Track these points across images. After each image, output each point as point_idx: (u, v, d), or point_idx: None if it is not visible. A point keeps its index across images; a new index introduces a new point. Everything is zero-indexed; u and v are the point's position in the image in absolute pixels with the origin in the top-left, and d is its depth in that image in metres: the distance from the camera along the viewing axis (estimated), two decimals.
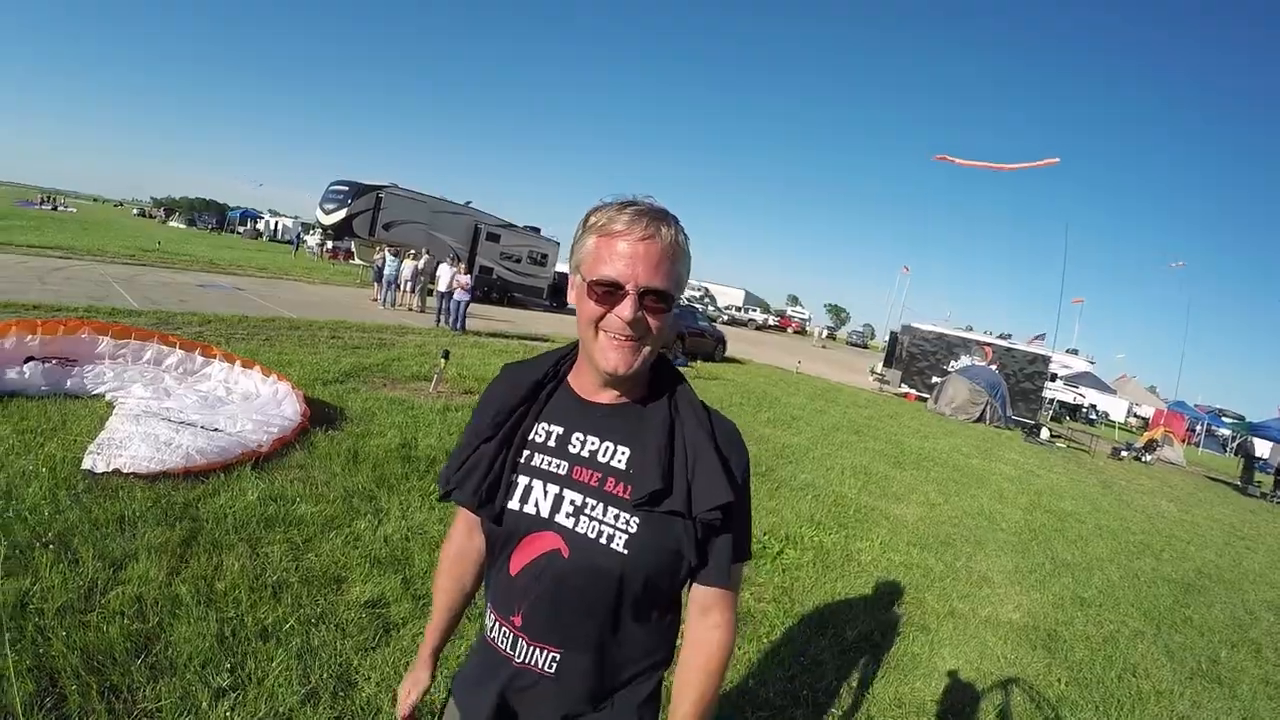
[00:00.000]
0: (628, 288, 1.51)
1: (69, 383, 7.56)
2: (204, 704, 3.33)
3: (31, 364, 7.41)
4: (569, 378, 1.75)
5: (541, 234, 39.10)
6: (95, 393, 7.60)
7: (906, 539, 8.14)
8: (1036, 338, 36.84)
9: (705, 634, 1.69)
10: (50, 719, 3.09)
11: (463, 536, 1.92)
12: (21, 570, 4.10)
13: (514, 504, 1.63)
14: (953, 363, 30.93)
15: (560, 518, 1.60)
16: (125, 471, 5.62)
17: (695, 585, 1.69)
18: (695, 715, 1.66)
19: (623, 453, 1.63)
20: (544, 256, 38.56)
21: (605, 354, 1.57)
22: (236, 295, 20.34)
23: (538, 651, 1.62)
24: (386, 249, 26.95)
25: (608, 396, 1.68)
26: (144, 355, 8.50)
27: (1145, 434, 32.38)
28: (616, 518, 1.57)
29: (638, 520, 1.57)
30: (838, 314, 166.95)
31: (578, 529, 1.58)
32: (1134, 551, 10.05)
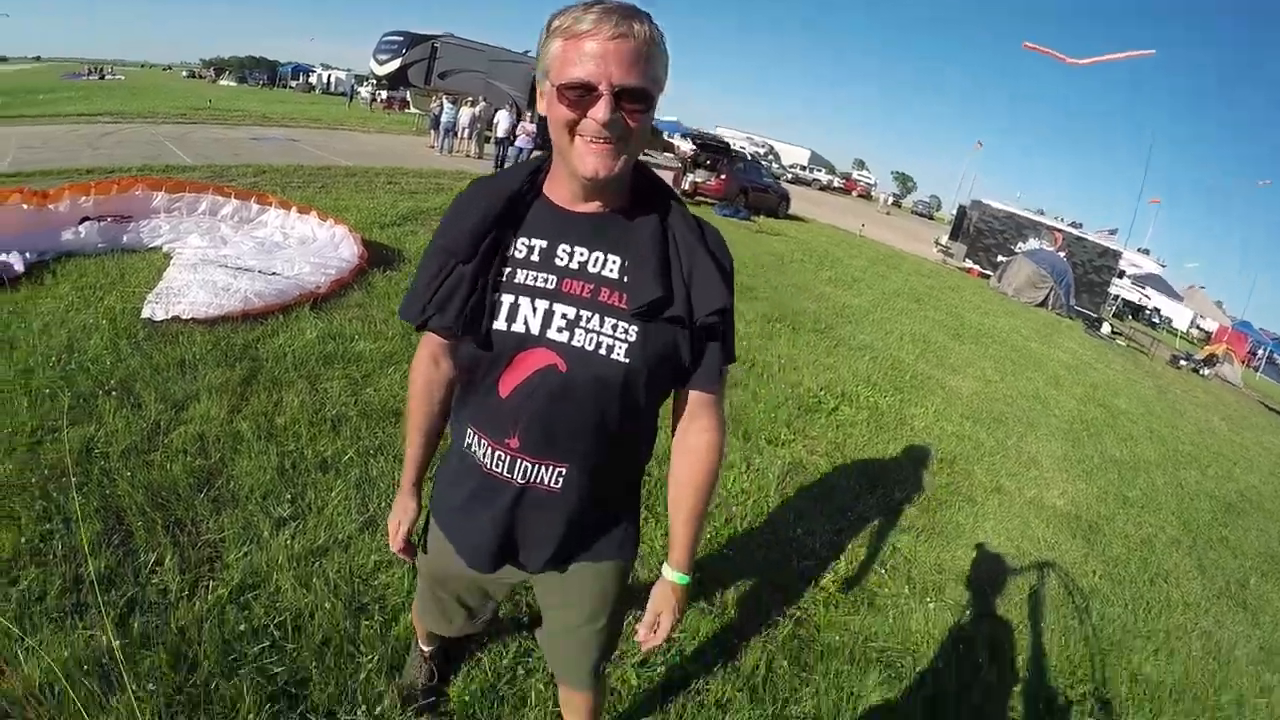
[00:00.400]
0: (601, 88, 1.41)
1: (125, 238, 7.57)
2: (265, 533, 3.40)
3: (87, 224, 7.38)
4: (545, 189, 1.66)
5: None
6: (152, 246, 7.61)
7: (960, 411, 8.00)
8: (1109, 231, 35.07)
9: (696, 439, 1.76)
10: (118, 555, 3.15)
11: (429, 365, 1.86)
12: (86, 418, 4.15)
13: (500, 324, 1.58)
14: (1020, 244, 29.55)
15: (552, 333, 1.56)
16: (185, 318, 5.64)
17: (685, 391, 1.73)
18: (694, 519, 1.80)
19: (614, 261, 1.59)
20: None
21: (583, 159, 1.48)
22: (291, 146, 20.17)
23: (543, 469, 1.64)
24: (444, 96, 26.41)
25: (591, 206, 1.61)
26: (199, 207, 8.42)
27: (1206, 347, 30.70)
28: (615, 328, 1.55)
29: (637, 328, 1.56)
30: (904, 182, 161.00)
31: (573, 343, 1.55)
32: (1181, 461, 9.62)
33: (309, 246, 8.02)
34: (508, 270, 1.60)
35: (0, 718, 2.38)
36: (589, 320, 1.55)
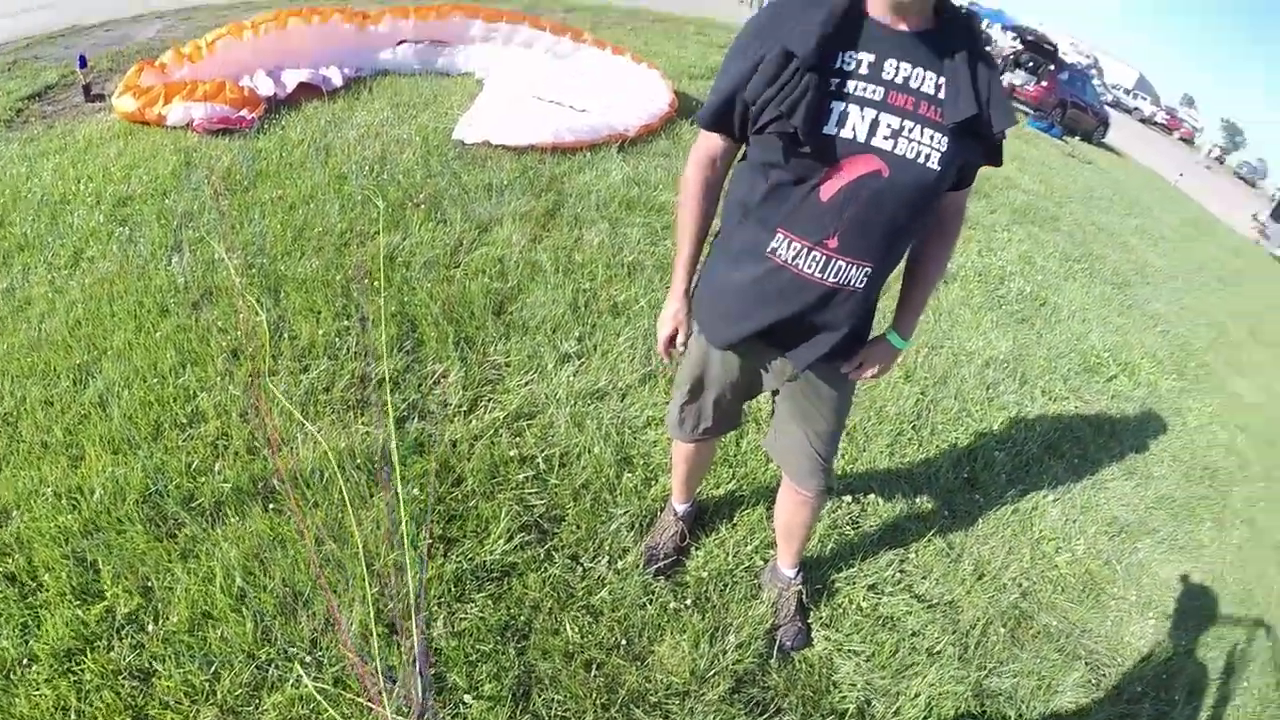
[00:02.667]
0: None
1: (440, 62, 7.73)
2: (550, 365, 3.43)
3: (404, 45, 7.59)
4: (868, 8, 1.73)
5: None
6: (465, 71, 7.75)
7: (1237, 420, 6.73)
8: None
9: (946, 223, 2.02)
10: (406, 360, 3.28)
11: (707, 167, 1.97)
12: (394, 226, 4.28)
13: (831, 129, 1.67)
14: None
15: (877, 141, 1.67)
16: (494, 143, 5.69)
17: (952, 192, 1.91)
18: (926, 289, 2.11)
19: (930, 78, 1.68)
20: None
21: None
22: None
23: (853, 269, 1.78)
24: None
25: (906, 25, 1.70)
26: (515, 38, 8.38)
27: None
28: (932, 138, 1.67)
29: (947, 140, 1.68)
30: (1232, 135, 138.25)
31: (897, 151, 1.67)
32: None
33: (622, 88, 7.86)
34: (838, 81, 1.68)
35: (269, 494, 2.62)
36: (911, 130, 1.67)
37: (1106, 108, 28.68)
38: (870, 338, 2.09)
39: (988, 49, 1.80)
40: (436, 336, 3.42)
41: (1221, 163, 75.67)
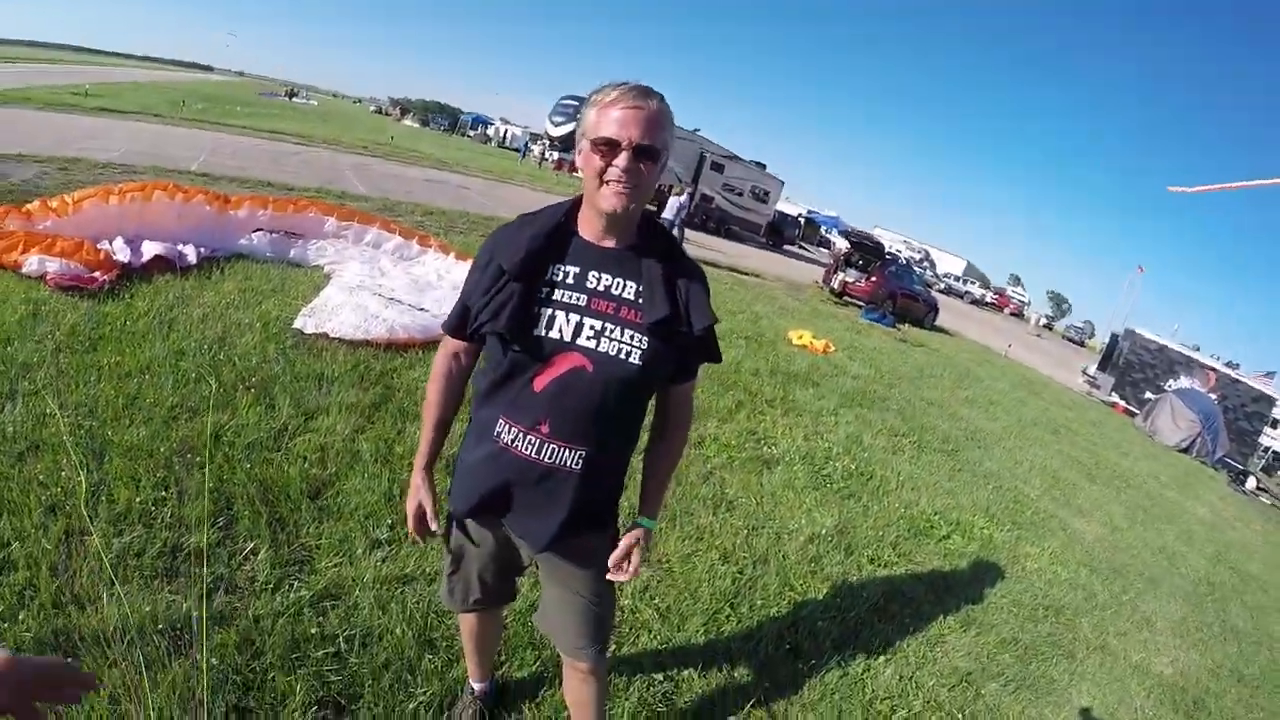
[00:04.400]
0: (623, 144, 1.83)
1: (292, 253, 8.12)
2: (359, 551, 3.53)
3: (260, 234, 8.01)
4: (579, 229, 2.05)
5: (766, 170, 38.27)
6: (315, 264, 8.12)
7: (1079, 557, 7.36)
8: (1266, 375, 31.93)
9: (675, 421, 2.28)
10: (218, 535, 3.38)
11: (451, 359, 2.25)
12: (223, 406, 4.46)
13: (540, 331, 1.94)
14: (1171, 381, 27.07)
15: (582, 340, 1.94)
16: (332, 335, 5.99)
17: (668, 387, 2.20)
18: (666, 481, 2.36)
19: (631, 286, 1.98)
20: (766, 193, 37.82)
21: (607, 198, 1.89)
22: (460, 193, 21.08)
23: (566, 451, 1.98)
24: None
25: (612, 242, 2.01)
26: (365, 237, 8.95)
27: None
28: (632, 338, 1.95)
29: (648, 339, 1.95)
30: (1059, 304, 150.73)
31: (599, 349, 1.93)
32: None
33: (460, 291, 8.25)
34: (547, 290, 1.97)
35: (70, 650, 2.62)
36: (612, 331, 1.94)
37: (935, 294, 30.64)
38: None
39: (687, 260, 2.08)
40: (250, 515, 3.52)
41: (1050, 329, 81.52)
